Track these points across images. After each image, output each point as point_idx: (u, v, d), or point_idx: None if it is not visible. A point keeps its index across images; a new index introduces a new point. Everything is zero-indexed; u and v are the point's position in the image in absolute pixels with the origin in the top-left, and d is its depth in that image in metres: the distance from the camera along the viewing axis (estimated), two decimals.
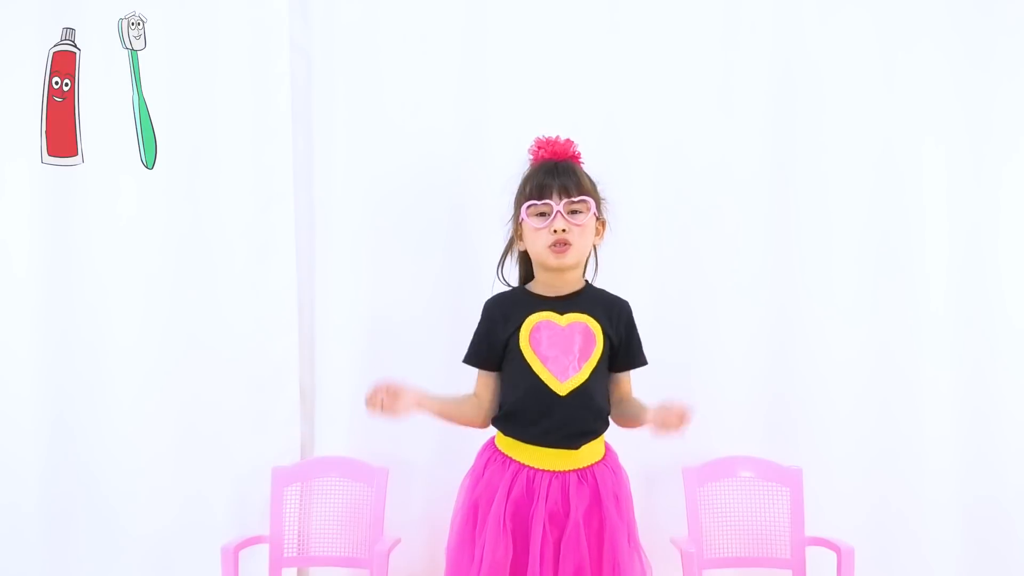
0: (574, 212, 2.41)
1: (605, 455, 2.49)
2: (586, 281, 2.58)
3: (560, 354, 2.41)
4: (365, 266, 3.12)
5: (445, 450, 3.02)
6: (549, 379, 2.40)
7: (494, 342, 2.48)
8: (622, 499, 2.48)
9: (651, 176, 3.13)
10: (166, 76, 3.10)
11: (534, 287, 2.53)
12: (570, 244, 2.40)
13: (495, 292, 2.61)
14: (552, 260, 2.42)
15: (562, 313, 2.45)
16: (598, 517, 2.41)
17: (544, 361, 2.41)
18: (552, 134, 2.55)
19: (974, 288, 3.15)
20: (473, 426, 2.53)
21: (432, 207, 3.11)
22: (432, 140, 3.11)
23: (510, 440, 2.46)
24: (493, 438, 2.54)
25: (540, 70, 3.10)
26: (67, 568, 3.12)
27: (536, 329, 2.44)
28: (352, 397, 3.11)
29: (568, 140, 2.53)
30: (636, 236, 3.09)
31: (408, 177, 3.12)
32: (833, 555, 2.86)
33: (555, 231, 2.38)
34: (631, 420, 2.49)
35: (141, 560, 3.10)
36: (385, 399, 2.30)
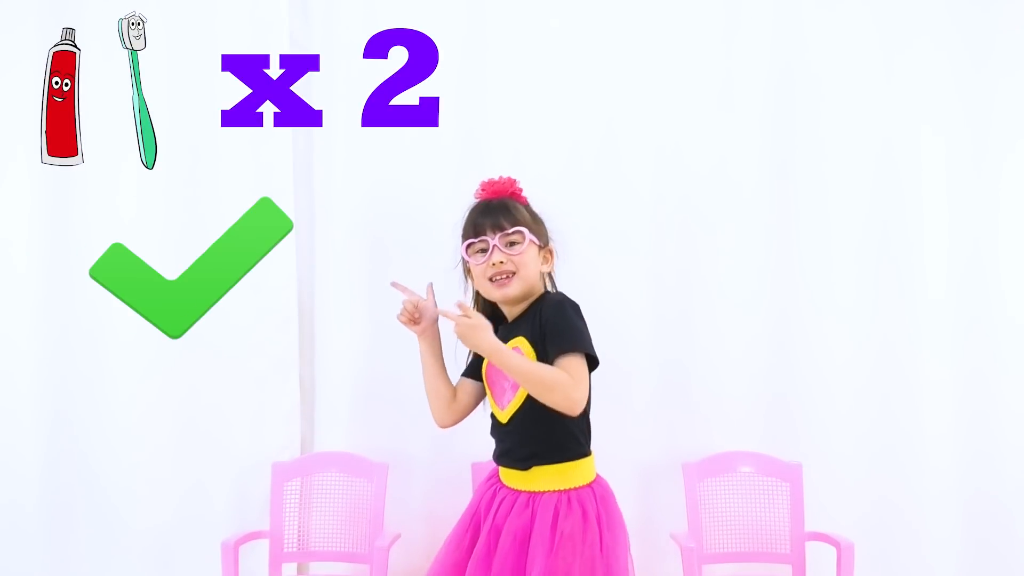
0: (511, 244, 2.42)
1: (591, 483, 2.39)
2: (546, 292, 2.50)
3: (501, 380, 2.43)
4: (365, 261, 3.14)
5: (445, 446, 3.04)
6: (494, 408, 2.47)
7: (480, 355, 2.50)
8: (604, 529, 2.35)
9: (651, 174, 3.14)
10: (166, 76, 3.12)
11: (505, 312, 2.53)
12: (512, 274, 2.41)
13: None
14: (495, 293, 2.44)
15: (506, 340, 2.39)
16: (583, 539, 2.31)
17: (492, 389, 2.48)
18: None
19: (973, 284, 3.16)
20: (436, 414, 2.54)
21: (431, 203, 3.13)
22: (432, 138, 3.12)
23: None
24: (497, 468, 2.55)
25: (540, 69, 3.11)
26: (67, 562, 3.14)
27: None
28: (352, 393, 3.14)
29: (509, 179, 2.53)
30: (636, 233, 3.11)
31: (408, 174, 3.14)
32: (833, 550, 2.87)
33: (493, 264, 2.41)
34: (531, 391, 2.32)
35: (141, 555, 3.12)
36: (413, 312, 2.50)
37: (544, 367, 2.29)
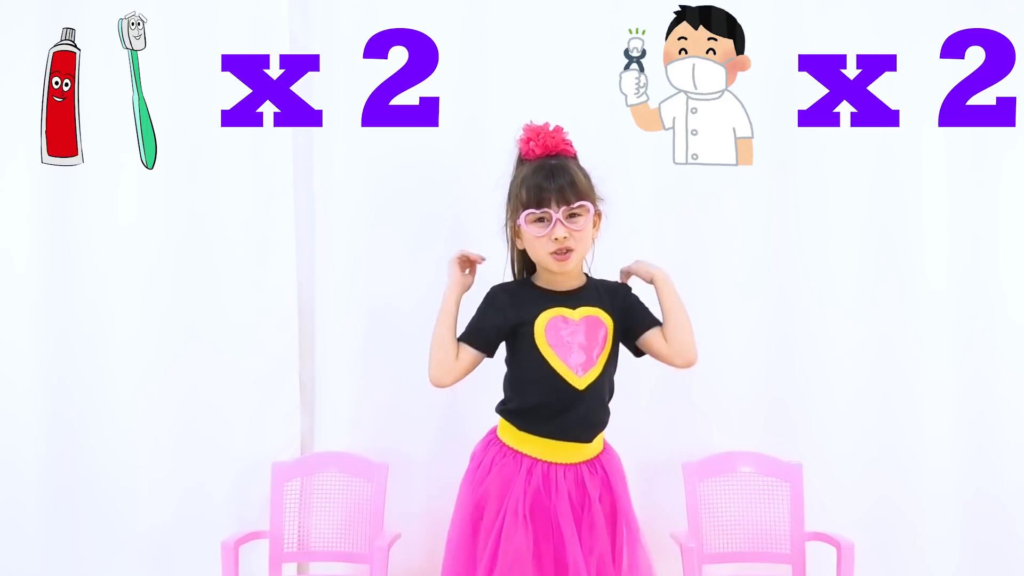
0: (573, 216, 2.38)
1: (605, 446, 2.52)
2: (586, 274, 2.57)
3: (576, 349, 2.41)
4: (365, 261, 3.13)
5: (445, 445, 3.04)
6: (568, 375, 2.40)
7: (501, 326, 2.46)
8: (624, 488, 2.51)
9: (651, 172, 3.13)
10: (166, 76, 3.12)
11: (539, 281, 2.51)
12: (572, 250, 2.39)
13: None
14: (555, 266, 2.41)
15: (574, 308, 2.44)
16: (609, 505, 2.44)
17: (562, 357, 2.40)
18: (540, 121, 2.49)
19: (974, 284, 3.15)
20: (438, 369, 2.46)
21: (431, 202, 3.12)
22: (431, 136, 3.12)
23: (522, 435, 2.44)
24: (494, 432, 2.53)
25: (539, 63, 3.11)
26: (67, 562, 3.14)
27: (551, 324, 2.43)
28: (352, 392, 3.14)
29: (558, 128, 2.47)
30: (636, 233, 3.10)
31: (407, 173, 3.13)
32: (833, 550, 2.87)
33: (556, 239, 2.36)
34: (676, 325, 2.51)
35: (141, 555, 3.12)
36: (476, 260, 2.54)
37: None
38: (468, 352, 2.48)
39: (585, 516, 2.38)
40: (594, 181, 2.48)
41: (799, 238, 3.15)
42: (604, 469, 2.46)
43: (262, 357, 3.13)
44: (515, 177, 2.47)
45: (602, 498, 2.42)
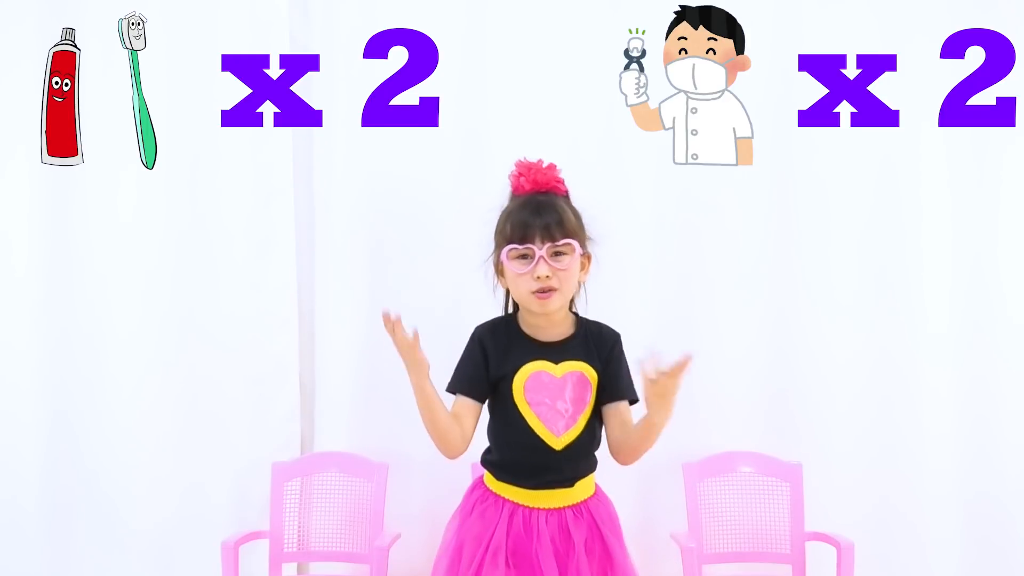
0: (558, 255, 2.25)
1: (596, 491, 2.41)
2: (575, 315, 2.43)
3: (555, 406, 2.30)
4: (365, 262, 3.13)
5: None
6: (545, 434, 2.30)
7: (488, 374, 2.34)
8: (617, 534, 2.41)
9: (651, 173, 3.13)
10: (166, 76, 3.12)
11: (523, 325, 2.38)
12: (555, 290, 2.25)
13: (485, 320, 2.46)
14: (535, 306, 2.28)
15: (557, 362, 2.32)
16: (599, 548, 2.34)
17: (539, 415, 2.30)
18: (534, 157, 2.38)
19: (974, 283, 3.15)
20: (451, 447, 2.32)
21: (432, 202, 3.12)
22: (431, 137, 3.11)
23: (501, 484, 2.36)
24: (482, 477, 2.45)
25: (539, 64, 3.11)
26: (67, 562, 3.14)
27: (531, 381, 2.31)
28: (352, 392, 3.14)
29: (551, 166, 2.36)
30: (636, 234, 3.10)
31: (407, 173, 3.13)
32: (833, 550, 2.87)
33: (538, 277, 2.23)
34: (638, 442, 2.30)
35: (141, 554, 3.12)
36: (389, 326, 2.21)
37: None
38: (467, 406, 2.34)
39: (571, 563, 2.29)
40: (585, 221, 2.36)
41: (799, 238, 3.15)
42: (591, 515, 2.35)
43: (262, 357, 3.12)
44: (503, 212, 2.36)
45: (590, 545, 2.31)
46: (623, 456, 2.35)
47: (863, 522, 3.09)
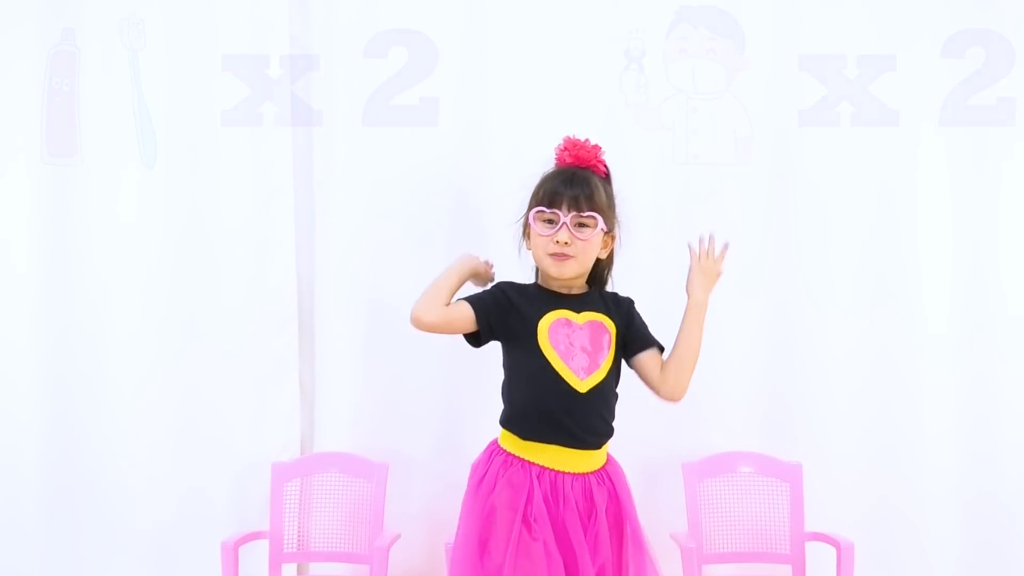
0: (581, 226, 2.38)
1: (609, 458, 2.47)
2: (590, 287, 2.53)
3: (579, 352, 2.39)
4: (365, 261, 3.13)
5: (445, 446, 3.05)
6: (570, 377, 2.36)
7: (502, 315, 2.41)
8: (631, 500, 2.48)
9: (651, 174, 3.13)
10: (166, 76, 3.12)
11: (545, 282, 2.50)
12: (571, 257, 2.38)
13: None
14: (551, 269, 2.40)
15: (578, 311, 2.42)
16: (614, 515, 2.40)
17: (564, 359, 2.37)
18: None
19: (973, 283, 3.15)
20: (425, 304, 2.40)
21: (432, 202, 3.12)
22: (432, 136, 3.12)
23: (527, 443, 2.37)
24: (496, 444, 2.45)
25: (539, 64, 3.11)
26: (67, 562, 3.13)
27: (555, 326, 2.40)
28: (352, 392, 3.14)
29: (596, 146, 2.48)
30: (636, 233, 3.09)
31: (407, 173, 3.13)
32: (833, 550, 2.87)
33: (557, 241, 2.37)
34: (683, 350, 2.45)
35: (141, 555, 3.11)
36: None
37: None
38: (462, 308, 2.42)
39: (591, 527, 2.35)
40: (616, 204, 2.49)
41: (799, 238, 3.15)
42: (611, 480, 2.43)
43: (262, 357, 3.12)
44: (541, 177, 2.48)
45: (608, 509, 2.39)
46: (674, 388, 2.47)
47: (863, 522, 3.09)
